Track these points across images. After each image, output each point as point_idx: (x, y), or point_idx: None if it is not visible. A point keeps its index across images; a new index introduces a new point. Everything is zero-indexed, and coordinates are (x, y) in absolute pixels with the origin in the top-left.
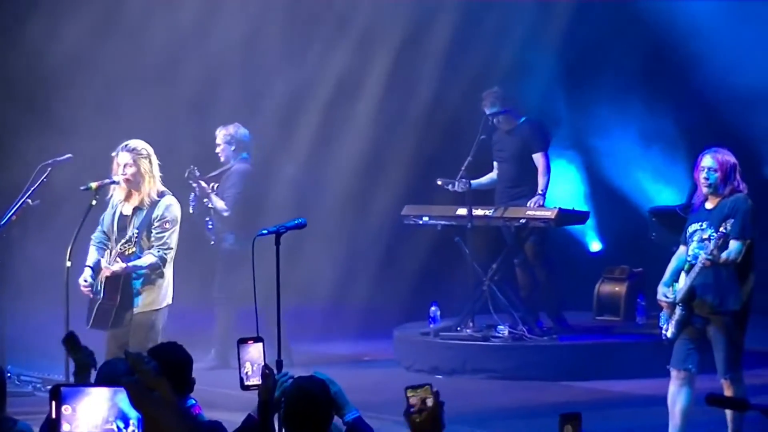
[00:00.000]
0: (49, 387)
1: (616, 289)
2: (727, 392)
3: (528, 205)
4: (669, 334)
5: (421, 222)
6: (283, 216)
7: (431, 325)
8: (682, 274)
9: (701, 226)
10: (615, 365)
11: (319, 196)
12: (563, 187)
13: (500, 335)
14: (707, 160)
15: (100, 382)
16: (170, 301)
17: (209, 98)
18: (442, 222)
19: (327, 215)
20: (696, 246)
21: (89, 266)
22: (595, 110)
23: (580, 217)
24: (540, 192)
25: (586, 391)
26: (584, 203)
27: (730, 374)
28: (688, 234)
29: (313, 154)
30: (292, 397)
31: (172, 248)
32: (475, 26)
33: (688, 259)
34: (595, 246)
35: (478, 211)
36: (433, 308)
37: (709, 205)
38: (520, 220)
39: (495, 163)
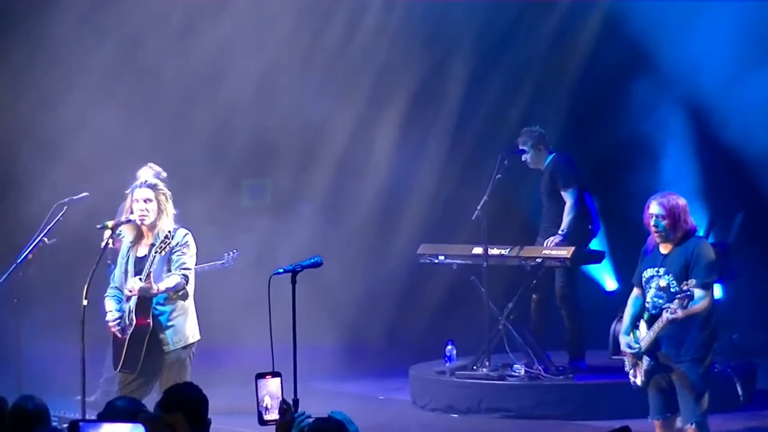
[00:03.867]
0: (65, 425)
1: None
2: None
3: (545, 244)
4: (639, 383)
5: (436, 261)
6: (300, 255)
7: (447, 364)
8: (642, 322)
9: (657, 272)
10: (631, 404)
11: (336, 235)
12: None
13: (516, 374)
14: (654, 207)
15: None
16: (198, 337)
17: (224, 141)
18: (458, 261)
19: (343, 254)
20: (654, 294)
21: (111, 311)
22: (609, 148)
23: (595, 256)
24: (561, 231)
25: (602, 430)
26: (600, 242)
27: (695, 420)
28: (644, 279)
29: (330, 193)
30: None
31: (190, 269)
32: (492, 66)
33: (648, 306)
34: (611, 285)
35: (494, 250)
36: (448, 347)
37: (663, 250)
38: (536, 260)
39: None
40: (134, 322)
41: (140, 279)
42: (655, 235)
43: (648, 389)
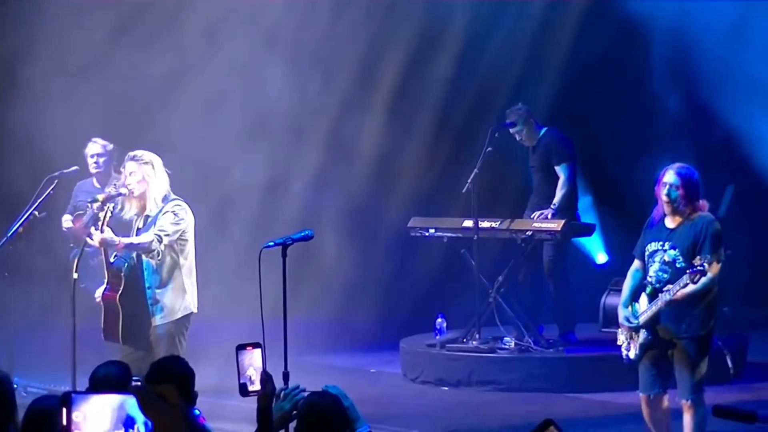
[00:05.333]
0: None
1: None
2: (687, 414)
3: (532, 216)
4: (632, 356)
5: (427, 234)
6: (291, 228)
7: (437, 337)
8: (643, 295)
9: (662, 246)
10: (621, 377)
11: (327, 208)
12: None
13: (506, 347)
14: (670, 176)
15: (96, 386)
16: (194, 310)
17: (215, 114)
18: (449, 234)
19: (334, 227)
20: (659, 268)
21: None
22: (602, 121)
23: (586, 229)
24: (552, 205)
25: (592, 403)
26: (590, 215)
27: (692, 397)
28: (647, 253)
29: (321, 167)
30: (306, 414)
31: (170, 234)
32: (485, 38)
33: (650, 280)
34: (602, 258)
35: (485, 223)
36: (439, 320)
37: (670, 224)
38: (526, 233)
39: None
40: (104, 295)
41: (100, 231)
42: (666, 205)
43: (640, 364)
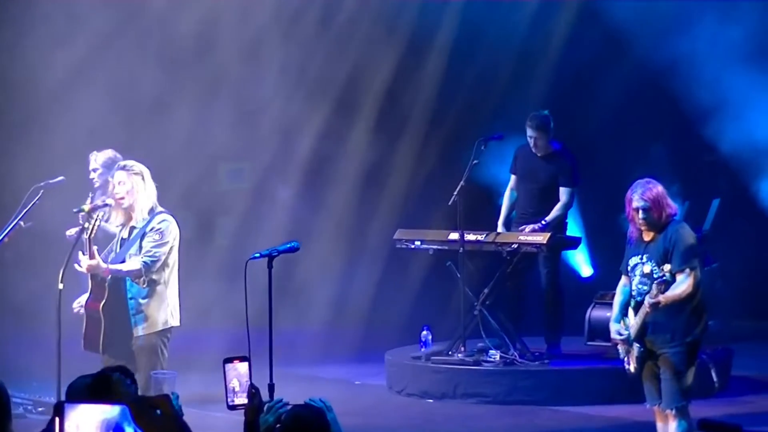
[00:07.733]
0: (40, 409)
1: (608, 314)
2: (672, 423)
3: (520, 229)
4: (632, 370)
5: (413, 246)
6: (277, 239)
7: (422, 349)
8: (630, 310)
9: (641, 259)
10: (606, 390)
11: (313, 220)
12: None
13: (491, 360)
14: (638, 201)
15: (72, 398)
16: (176, 323)
17: (204, 124)
18: (434, 246)
19: (320, 239)
20: (639, 281)
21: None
22: (588, 133)
23: (572, 242)
24: (544, 221)
25: (577, 416)
26: (576, 228)
27: (677, 406)
28: (629, 267)
29: (308, 177)
30: (290, 426)
31: (158, 259)
32: (470, 52)
33: (634, 294)
34: (587, 271)
35: (470, 236)
36: (424, 332)
37: (646, 237)
38: (512, 245)
39: (514, 185)
40: (87, 304)
41: (87, 257)
42: (643, 227)
43: (642, 376)
